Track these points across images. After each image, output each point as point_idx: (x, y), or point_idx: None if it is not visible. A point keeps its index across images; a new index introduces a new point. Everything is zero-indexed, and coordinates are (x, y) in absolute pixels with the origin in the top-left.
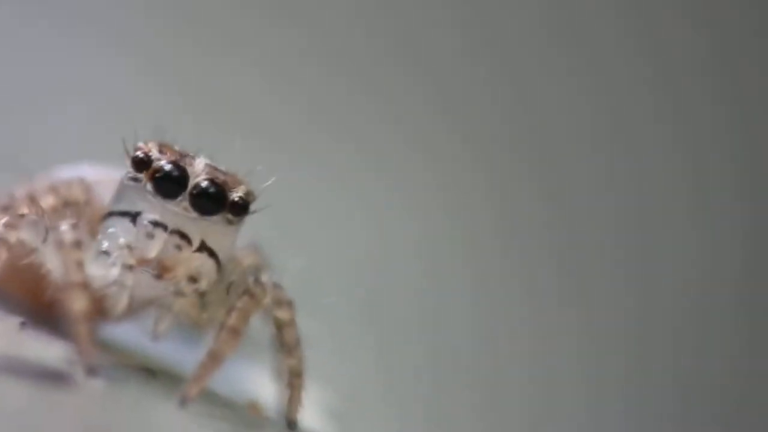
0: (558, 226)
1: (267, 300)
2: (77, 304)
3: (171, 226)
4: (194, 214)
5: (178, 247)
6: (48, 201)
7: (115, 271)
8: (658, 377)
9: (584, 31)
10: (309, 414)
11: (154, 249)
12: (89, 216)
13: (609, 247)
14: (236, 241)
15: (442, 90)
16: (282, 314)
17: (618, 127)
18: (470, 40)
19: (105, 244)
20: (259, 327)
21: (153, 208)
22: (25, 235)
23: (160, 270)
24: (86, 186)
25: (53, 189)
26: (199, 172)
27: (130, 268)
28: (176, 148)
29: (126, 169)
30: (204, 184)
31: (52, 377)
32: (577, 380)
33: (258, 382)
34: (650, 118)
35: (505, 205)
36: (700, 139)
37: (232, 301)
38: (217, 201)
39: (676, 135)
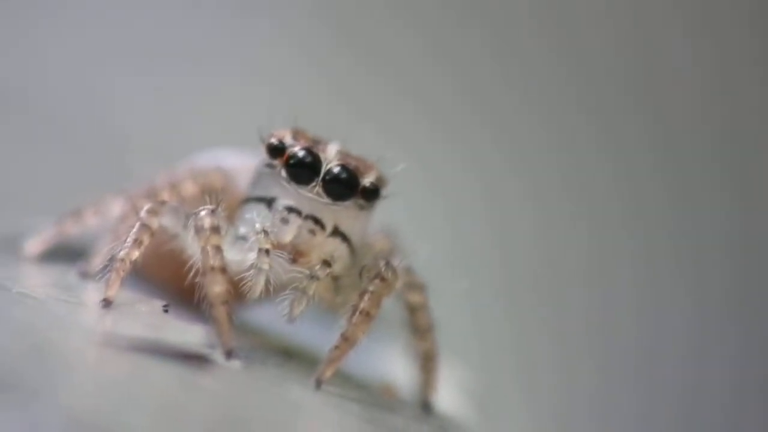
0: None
1: (399, 284)
2: (216, 288)
3: (305, 211)
4: (327, 200)
5: (312, 232)
6: (188, 188)
7: (252, 256)
8: None
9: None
10: (444, 396)
11: (289, 234)
12: (227, 202)
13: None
14: (368, 225)
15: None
16: (414, 298)
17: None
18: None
19: (242, 230)
20: (394, 310)
21: (287, 194)
22: (166, 221)
23: (295, 254)
24: (224, 173)
25: (193, 176)
26: (331, 158)
27: (266, 252)
28: (310, 134)
29: (262, 156)
30: (336, 170)
31: (192, 359)
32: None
33: (393, 365)
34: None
35: (631, 195)
36: None
37: (365, 284)
38: (349, 186)
39: None
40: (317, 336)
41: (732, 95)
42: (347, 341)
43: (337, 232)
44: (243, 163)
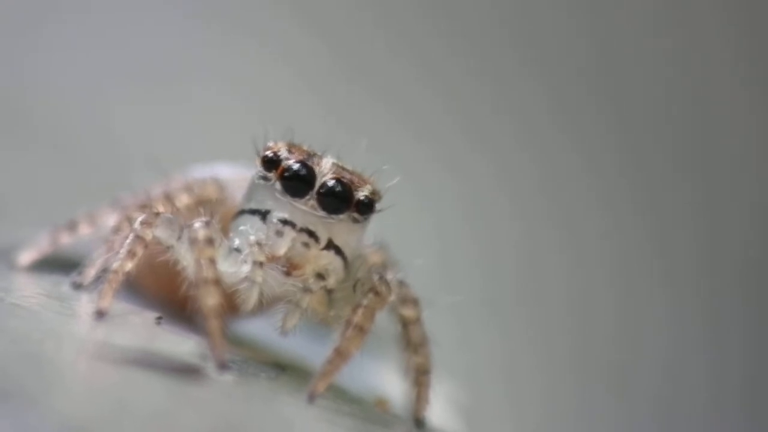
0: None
1: (392, 298)
2: (209, 300)
3: (299, 224)
4: (322, 213)
5: (306, 245)
6: (183, 199)
7: (245, 268)
8: None
9: None
10: (437, 411)
11: (283, 247)
12: (222, 214)
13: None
14: (363, 239)
15: (562, 102)
16: (408, 312)
17: None
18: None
19: (236, 242)
20: (387, 324)
21: (282, 206)
22: (160, 232)
23: (289, 267)
24: (220, 185)
25: (188, 188)
26: (326, 172)
27: (260, 265)
28: (305, 147)
29: (256, 169)
30: (331, 183)
31: (185, 371)
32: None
33: (387, 379)
34: None
35: (609, 210)
36: None
37: (358, 298)
38: (343, 200)
39: None
40: (310, 349)
41: (712, 114)
42: (340, 355)
43: (331, 245)
44: (238, 176)
